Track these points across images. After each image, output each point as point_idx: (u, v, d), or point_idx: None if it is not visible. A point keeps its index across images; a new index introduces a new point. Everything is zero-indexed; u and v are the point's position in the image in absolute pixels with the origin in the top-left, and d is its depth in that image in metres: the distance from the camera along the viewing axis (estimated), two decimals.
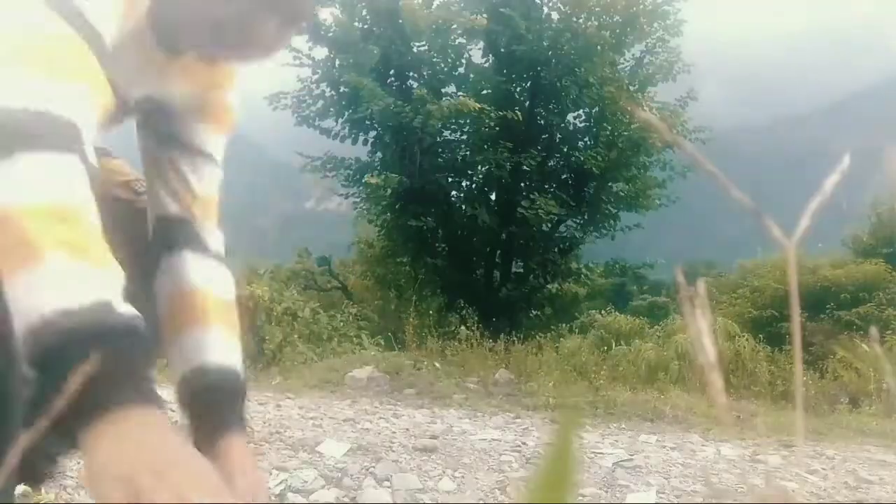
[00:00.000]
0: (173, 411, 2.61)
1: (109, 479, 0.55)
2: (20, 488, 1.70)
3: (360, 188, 8.21)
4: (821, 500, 2.36)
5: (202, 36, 0.90)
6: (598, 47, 7.72)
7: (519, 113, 7.55)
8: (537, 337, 7.24)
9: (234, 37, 0.89)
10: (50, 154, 0.64)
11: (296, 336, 6.29)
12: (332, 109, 8.09)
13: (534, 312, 8.94)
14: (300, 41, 7.81)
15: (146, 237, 1.06)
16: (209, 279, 1.04)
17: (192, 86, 1.03)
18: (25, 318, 0.58)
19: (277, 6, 0.89)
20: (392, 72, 8.10)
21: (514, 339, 6.50)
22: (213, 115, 1.08)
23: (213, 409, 0.99)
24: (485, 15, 7.31)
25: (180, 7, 0.89)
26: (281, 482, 1.87)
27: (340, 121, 8.11)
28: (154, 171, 1.06)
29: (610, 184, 8.49)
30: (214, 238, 1.07)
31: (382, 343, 7.05)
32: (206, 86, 1.05)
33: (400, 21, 7.58)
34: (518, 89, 8.33)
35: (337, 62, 7.94)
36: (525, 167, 7.90)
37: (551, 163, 8.50)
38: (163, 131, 1.05)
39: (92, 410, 0.56)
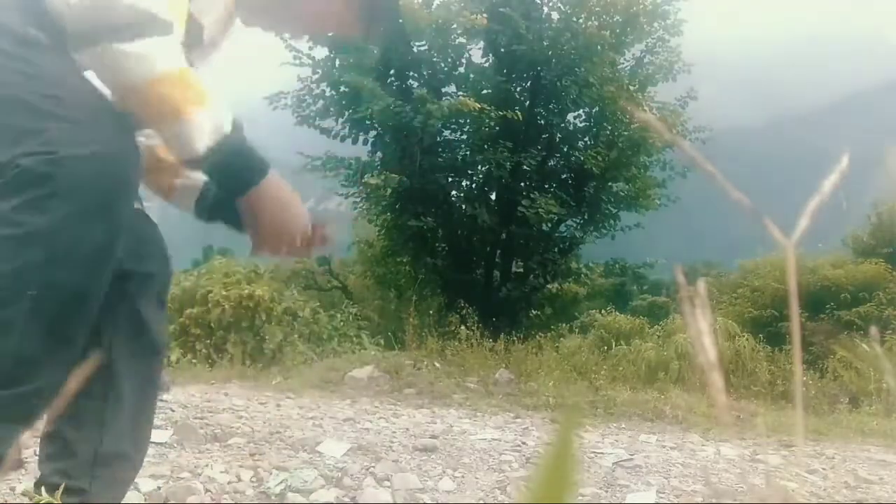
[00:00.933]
0: (172, 410, 2.59)
1: (282, 212, 1.10)
2: (20, 488, 1.70)
3: (360, 188, 8.21)
4: (821, 500, 2.36)
5: (268, 18, 1.31)
6: (599, 47, 7.71)
7: (519, 113, 7.55)
8: (537, 337, 7.24)
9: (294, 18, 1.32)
10: (163, 38, 0.93)
11: (296, 336, 6.29)
12: (332, 109, 8.09)
13: (534, 312, 8.94)
14: (300, 41, 7.80)
15: None
16: None
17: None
18: (208, 140, 0.97)
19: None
20: (392, 71, 8.10)
21: (514, 338, 6.50)
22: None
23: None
24: (485, 15, 7.31)
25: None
26: (281, 482, 1.87)
27: (340, 120, 8.10)
28: None
29: (610, 183, 8.48)
30: None
31: (382, 343, 7.06)
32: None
33: (400, 20, 7.57)
34: (518, 89, 8.33)
35: (337, 62, 7.93)
36: (525, 167, 7.90)
37: (551, 162, 8.50)
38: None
39: (260, 175, 1.06)
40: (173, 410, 2.68)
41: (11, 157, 0.86)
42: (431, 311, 7.19)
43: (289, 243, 1.14)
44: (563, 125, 8.51)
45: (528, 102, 8.25)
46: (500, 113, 7.38)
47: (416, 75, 8.24)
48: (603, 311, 14.58)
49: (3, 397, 0.89)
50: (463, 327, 5.92)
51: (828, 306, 14.20)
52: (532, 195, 7.75)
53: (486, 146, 7.97)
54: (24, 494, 1.67)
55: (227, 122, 0.99)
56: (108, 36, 0.90)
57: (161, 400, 2.86)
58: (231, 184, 1.08)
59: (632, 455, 2.75)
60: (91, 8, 0.90)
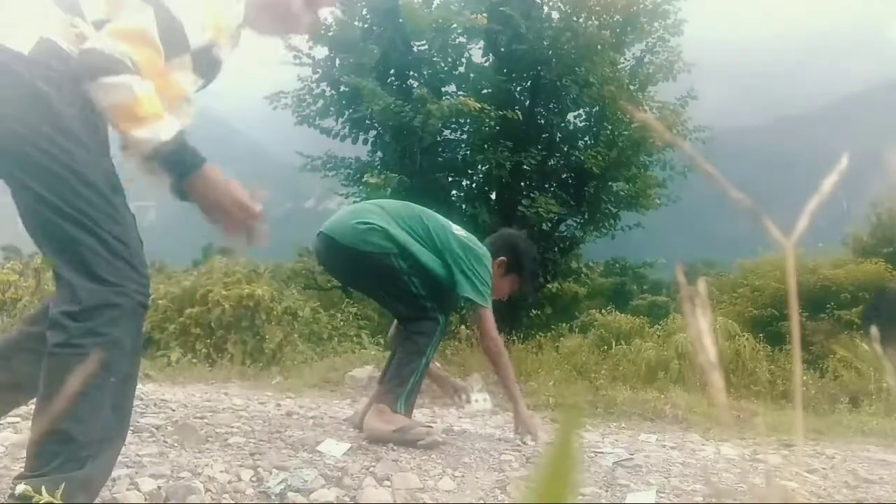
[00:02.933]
0: (172, 410, 2.59)
1: (216, 190, 1.45)
2: (20, 488, 1.70)
3: (360, 188, 8.20)
4: (821, 500, 2.36)
5: (260, 19, 1.69)
6: (599, 47, 7.71)
7: (519, 112, 7.55)
8: (537, 336, 7.24)
9: (274, 17, 1.72)
10: (126, 74, 1.34)
11: (296, 335, 6.29)
12: (332, 109, 8.09)
13: (534, 312, 8.94)
14: (300, 40, 7.81)
15: None
16: None
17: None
18: (151, 144, 1.35)
19: None
20: (392, 71, 8.10)
21: (515, 338, 6.49)
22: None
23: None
24: (485, 14, 7.31)
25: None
26: (281, 482, 1.87)
27: (340, 120, 8.11)
28: None
29: (610, 183, 8.48)
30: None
31: (382, 343, 7.04)
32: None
33: (400, 20, 7.58)
34: (518, 89, 8.33)
35: (337, 61, 7.94)
36: (525, 166, 7.90)
37: (551, 162, 8.50)
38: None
39: (193, 168, 1.42)
40: (173, 410, 2.68)
41: None
42: None
43: (225, 214, 1.48)
44: (563, 125, 8.51)
45: (528, 102, 8.25)
46: (500, 112, 7.38)
47: (416, 75, 8.24)
48: (603, 311, 14.58)
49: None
50: (463, 327, 5.91)
51: (828, 306, 14.20)
52: (532, 195, 7.75)
53: (486, 146, 7.97)
54: (24, 494, 1.67)
55: (166, 133, 1.37)
56: (92, 74, 1.32)
57: (162, 399, 2.87)
58: (172, 173, 1.45)
59: (632, 454, 2.75)
60: (84, 54, 1.34)
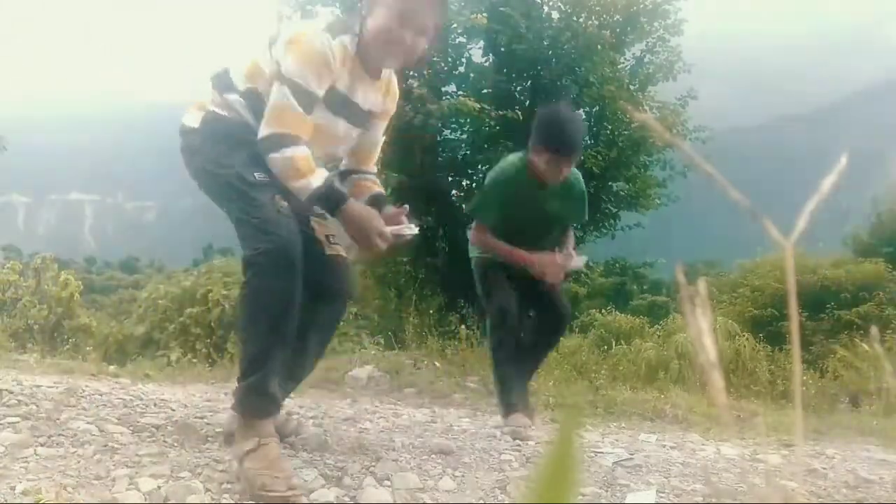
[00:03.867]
0: (172, 410, 2.58)
1: (358, 219, 1.98)
2: (20, 487, 1.71)
3: None
4: (821, 500, 2.36)
5: (377, 54, 2.09)
6: (599, 46, 7.71)
7: (519, 112, 7.54)
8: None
9: (386, 49, 2.06)
10: (292, 146, 1.92)
11: None
12: None
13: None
14: None
15: None
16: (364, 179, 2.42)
17: (375, 93, 2.23)
18: (307, 192, 1.92)
19: (409, 23, 2.02)
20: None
21: None
22: (382, 113, 2.35)
23: (379, 202, 2.25)
24: (485, 14, 7.30)
25: (368, 39, 2.06)
26: None
27: None
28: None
29: (610, 183, 8.48)
30: (371, 170, 2.45)
31: (382, 342, 7.05)
32: (381, 93, 2.28)
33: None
34: (518, 88, 8.32)
35: None
36: None
37: None
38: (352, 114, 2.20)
39: (338, 204, 1.96)
40: (173, 410, 2.68)
41: None
42: (431, 311, 7.18)
43: (367, 242, 1.98)
44: None
45: (528, 102, 8.24)
46: (500, 112, 7.37)
47: (416, 75, 8.24)
48: (603, 311, 14.59)
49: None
50: (463, 327, 5.91)
51: (828, 306, 14.21)
52: None
53: (486, 146, 7.96)
54: (24, 494, 1.67)
55: (316, 182, 1.90)
56: (265, 153, 1.92)
57: (162, 399, 2.87)
58: (325, 209, 2.02)
59: (632, 454, 2.75)
60: (260, 141, 1.92)
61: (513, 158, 3.10)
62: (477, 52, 8.34)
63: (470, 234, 3.20)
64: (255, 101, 2.01)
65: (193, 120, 2.06)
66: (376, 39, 2.04)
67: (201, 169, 2.01)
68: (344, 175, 2.38)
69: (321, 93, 1.98)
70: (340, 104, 2.09)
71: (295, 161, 1.88)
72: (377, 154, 2.44)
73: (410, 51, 2.07)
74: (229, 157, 1.95)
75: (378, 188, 2.38)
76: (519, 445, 2.76)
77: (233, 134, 2.00)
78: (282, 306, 1.84)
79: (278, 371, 1.90)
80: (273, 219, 1.86)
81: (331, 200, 1.94)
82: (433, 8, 2.08)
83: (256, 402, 1.87)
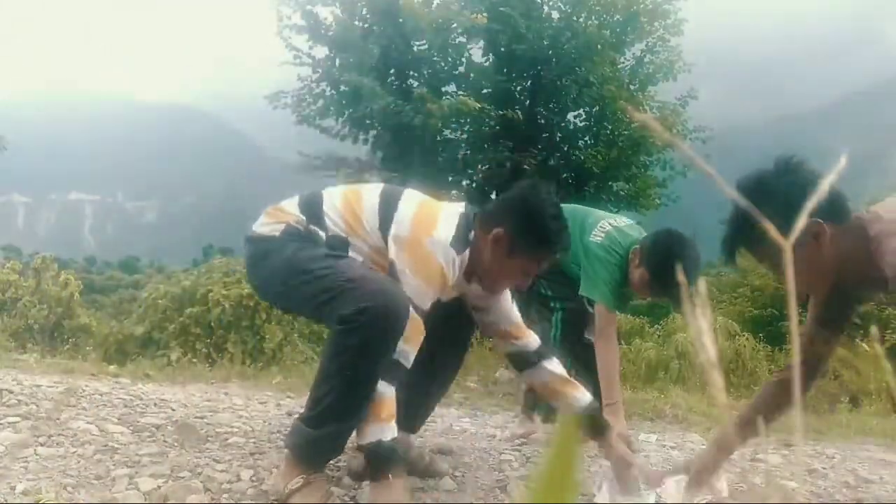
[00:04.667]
0: (172, 410, 2.59)
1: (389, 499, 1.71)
2: (20, 487, 1.71)
3: None
4: (821, 500, 2.36)
5: (496, 286, 2.03)
6: (599, 46, 7.71)
7: (519, 112, 7.55)
8: None
9: (510, 285, 2.07)
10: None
11: (296, 335, 6.30)
12: (332, 108, 8.08)
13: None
14: (300, 40, 7.82)
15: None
16: (556, 367, 2.15)
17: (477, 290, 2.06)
18: (374, 438, 1.73)
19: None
20: (392, 71, 8.09)
21: None
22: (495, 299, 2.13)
23: (596, 420, 2.11)
24: (485, 14, 7.31)
25: (468, 268, 1.96)
26: None
27: (341, 120, 8.09)
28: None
29: (610, 183, 8.48)
30: (534, 340, 2.20)
31: None
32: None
33: (400, 20, 7.57)
34: (518, 88, 8.32)
35: (337, 61, 7.92)
36: (525, 166, 7.89)
37: (552, 162, 8.50)
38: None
39: (383, 472, 1.72)
40: (173, 410, 2.68)
41: None
42: None
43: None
44: (563, 124, 8.50)
45: (528, 102, 8.25)
46: (501, 112, 7.38)
47: (416, 75, 8.24)
48: None
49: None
50: None
51: None
52: None
53: (486, 145, 7.97)
54: (23, 494, 1.67)
55: (388, 435, 1.73)
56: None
57: (162, 399, 2.87)
58: (370, 468, 1.78)
59: None
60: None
61: (620, 243, 2.89)
62: (477, 52, 8.34)
63: (597, 318, 2.83)
64: (339, 247, 1.89)
65: (271, 230, 1.93)
66: (506, 280, 1.99)
67: (278, 268, 1.87)
68: (530, 361, 2.14)
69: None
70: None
71: (385, 400, 1.74)
72: (518, 316, 2.20)
73: (525, 279, 2.01)
74: (313, 253, 1.85)
75: (581, 392, 2.12)
76: (518, 446, 2.76)
77: (314, 243, 1.89)
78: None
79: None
80: (371, 277, 1.77)
81: (379, 466, 1.74)
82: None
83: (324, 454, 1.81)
